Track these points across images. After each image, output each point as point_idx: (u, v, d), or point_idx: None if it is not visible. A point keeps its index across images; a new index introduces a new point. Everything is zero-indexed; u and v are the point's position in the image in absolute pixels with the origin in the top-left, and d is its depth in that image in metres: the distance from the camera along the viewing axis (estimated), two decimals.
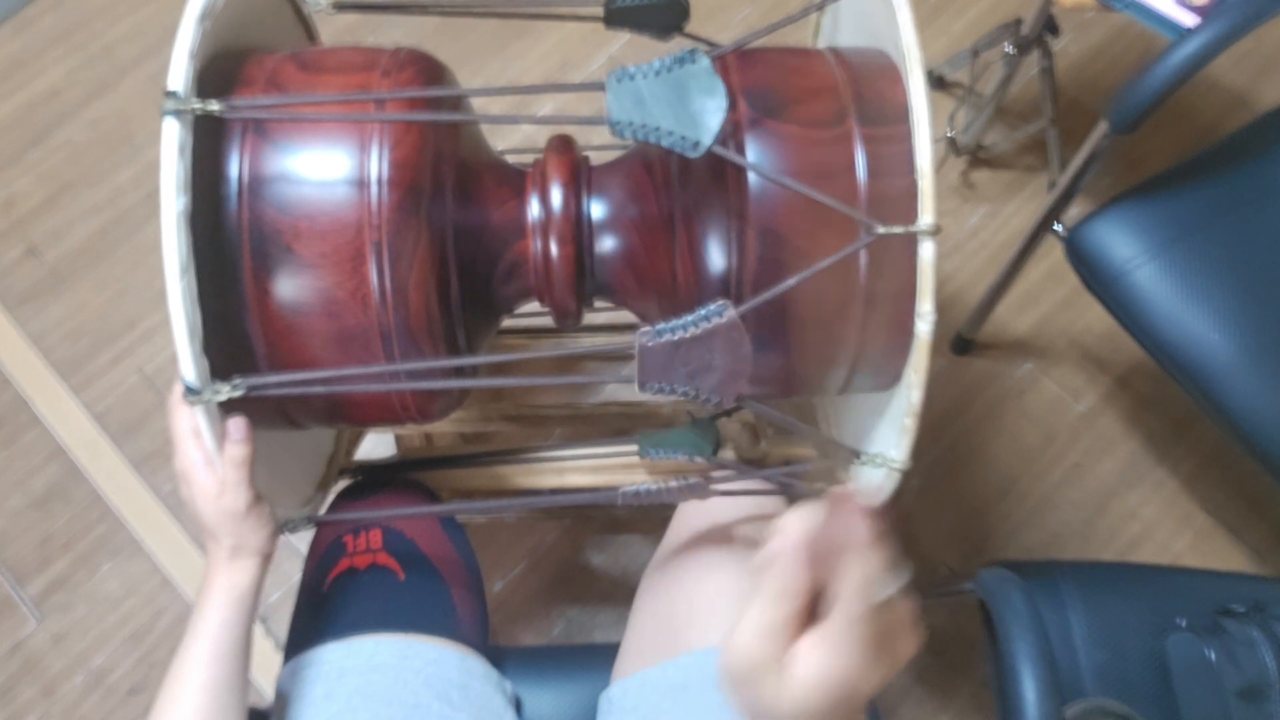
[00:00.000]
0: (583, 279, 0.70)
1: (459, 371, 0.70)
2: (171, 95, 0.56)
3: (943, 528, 1.29)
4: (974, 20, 1.60)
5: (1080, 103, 1.51)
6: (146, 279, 1.48)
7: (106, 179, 1.54)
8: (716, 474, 0.72)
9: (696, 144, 0.57)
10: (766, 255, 0.61)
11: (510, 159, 0.76)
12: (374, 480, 0.86)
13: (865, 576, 0.35)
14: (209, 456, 0.61)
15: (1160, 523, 1.30)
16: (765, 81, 0.65)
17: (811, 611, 0.36)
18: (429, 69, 0.68)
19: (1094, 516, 1.31)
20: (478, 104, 1.46)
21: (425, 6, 0.81)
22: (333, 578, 0.76)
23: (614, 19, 0.73)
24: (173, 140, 0.56)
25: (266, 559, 0.65)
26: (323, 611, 0.74)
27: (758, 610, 0.38)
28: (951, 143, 1.44)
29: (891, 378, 0.67)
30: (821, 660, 0.35)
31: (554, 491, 0.90)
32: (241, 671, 0.64)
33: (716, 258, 0.64)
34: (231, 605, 0.63)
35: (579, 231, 0.69)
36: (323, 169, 0.61)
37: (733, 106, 0.62)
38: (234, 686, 0.63)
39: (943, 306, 1.41)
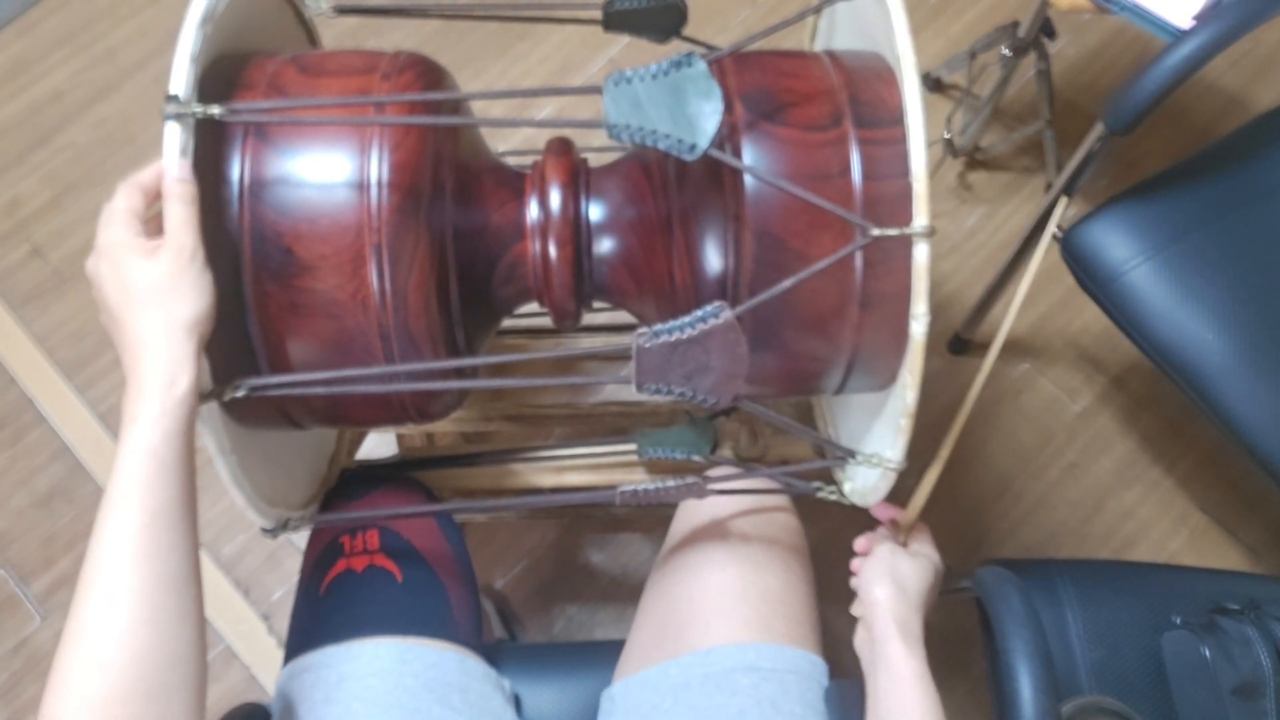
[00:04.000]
0: (581, 280, 0.71)
1: (458, 372, 0.71)
2: (173, 99, 0.57)
3: (939, 527, 1.26)
4: (971, 22, 1.60)
5: (1077, 105, 1.52)
6: None
7: (110, 180, 1.53)
8: (714, 473, 0.73)
9: (693, 147, 0.57)
10: (763, 257, 0.62)
11: (510, 161, 0.77)
12: (366, 477, 0.86)
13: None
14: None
15: (1156, 521, 1.30)
16: (762, 85, 0.65)
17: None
18: (429, 72, 0.68)
19: (1090, 515, 1.31)
20: (477, 107, 1.47)
21: (426, 10, 0.82)
22: (330, 580, 0.76)
23: (612, 22, 0.74)
24: (174, 144, 0.57)
25: (201, 350, 0.55)
26: (320, 614, 0.75)
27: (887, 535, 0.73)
28: (949, 144, 1.45)
29: (887, 378, 0.68)
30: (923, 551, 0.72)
31: (553, 491, 0.90)
32: (187, 555, 0.53)
33: (713, 259, 0.64)
34: (170, 438, 0.52)
35: (577, 233, 0.69)
36: (323, 172, 0.62)
37: (729, 109, 0.62)
38: (177, 583, 0.52)
39: (940, 307, 1.42)
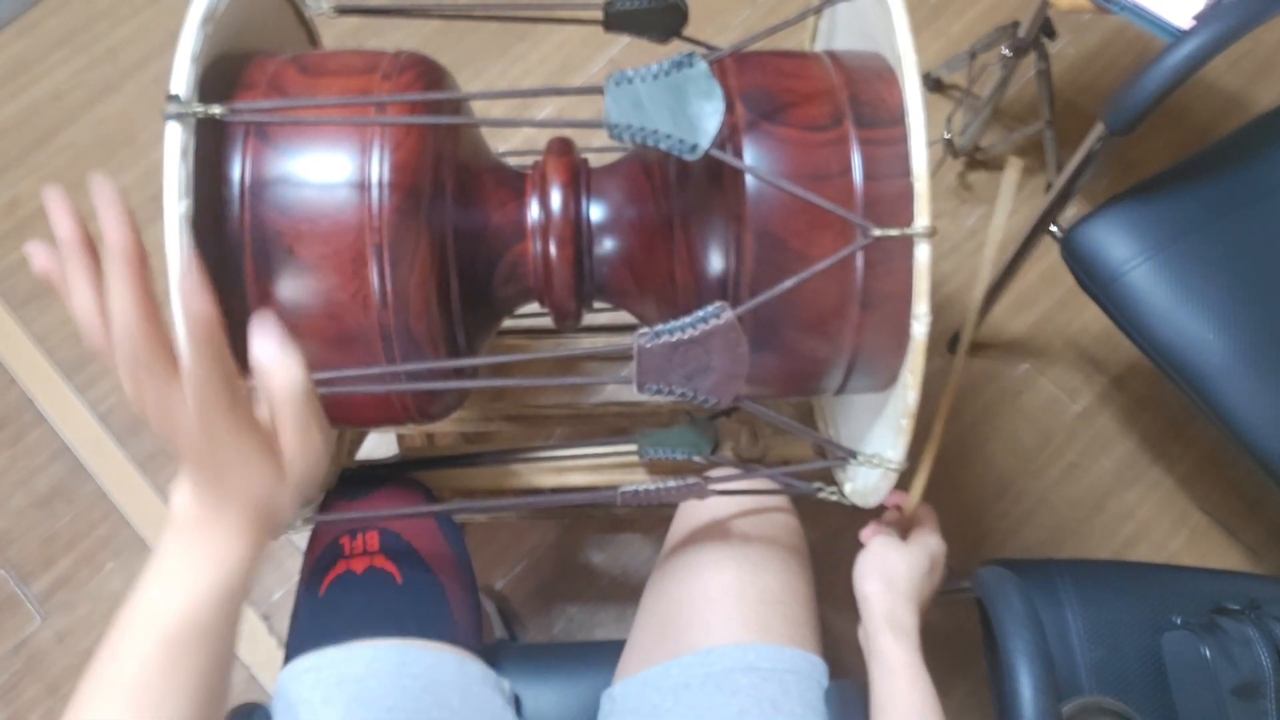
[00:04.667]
0: (582, 280, 0.70)
1: (459, 372, 0.71)
2: (174, 99, 0.57)
3: (940, 527, 1.29)
4: (971, 23, 1.60)
5: (1077, 105, 1.52)
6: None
7: (110, 181, 1.55)
8: (714, 473, 0.73)
9: (694, 147, 0.57)
10: (764, 257, 0.62)
11: (510, 161, 0.77)
12: (366, 477, 0.86)
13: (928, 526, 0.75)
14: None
15: (1156, 521, 1.30)
16: (762, 85, 0.65)
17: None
18: (429, 72, 0.68)
19: (1091, 515, 1.31)
20: (478, 106, 1.47)
21: (427, 10, 0.82)
22: (329, 581, 0.76)
23: (613, 23, 0.74)
24: (175, 144, 0.56)
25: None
26: (320, 615, 0.74)
27: (885, 526, 0.73)
28: (949, 144, 1.45)
29: (888, 379, 0.68)
30: (920, 539, 0.73)
31: (554, 491, 0.90)
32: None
33: (714, 260, 0.64)
34: (220, 587, 0.43)
35: (578, 233, 0.69)
36: (323, 172, 0.62)
37: (730, 110, 0.62)
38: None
39: (940, 307, 1.42)
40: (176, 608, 0.42)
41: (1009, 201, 0.69)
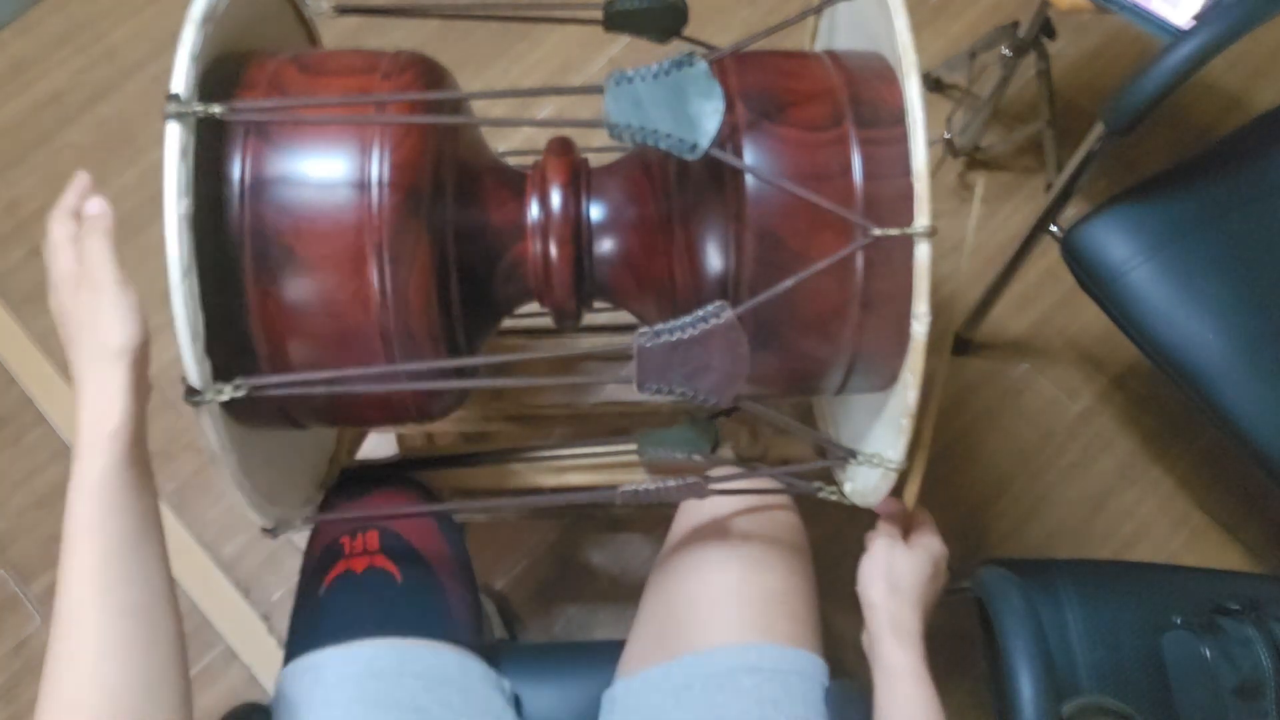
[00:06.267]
0: (582, 280, 0.70)
1: (459, 372, 0.71)
2: (174, 98, 0.57)
3: (940, 527, 1.27)
4: (971, 23, 1.60)
5: (1077, 105, 1.52)
6: (149, 280, 1.46)
7: (110, 181, 1.55)
8: (714, 473, 0.73)
9: (694, 146, 0.57)
10: (764, 257, 0.62)
11: (510, 161, 0.77)
12: (366, 477, 0.86)
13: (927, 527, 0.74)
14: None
15: (1156, 521, 1.30)
16: (763, 84, 0.65)
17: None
18: (429, 71, 0.68)
19: (1091, 515, 1.31)
20: (478, 106, 1.47)
21: (426, 10, 0.82)
22: (329, 580, 0.75)
23: (613, 22, 0.73)
24: (175, 143, 0.56)
25: (139, 378, 0.55)
26: (320, 615, 0.74)
27: (887, 530, 0.72)
28: (949, 144, 1.45)
29: (888, 378, 0.68)
30: (921, 543, 0.72)
31: (554, 490, 0.90)
32: (149, 584, 0.52)
33: (714, 259, 0.64)
34: (108, 473, 0.51)
35: (578, 233, 0.69)
36: (323, 171, 0.62)
37: (730, 109, 0.62)
38: (142, 612, 0.51)
39: (940, 307, 1.42)
40: (91, 453, 0.52)
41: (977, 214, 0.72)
